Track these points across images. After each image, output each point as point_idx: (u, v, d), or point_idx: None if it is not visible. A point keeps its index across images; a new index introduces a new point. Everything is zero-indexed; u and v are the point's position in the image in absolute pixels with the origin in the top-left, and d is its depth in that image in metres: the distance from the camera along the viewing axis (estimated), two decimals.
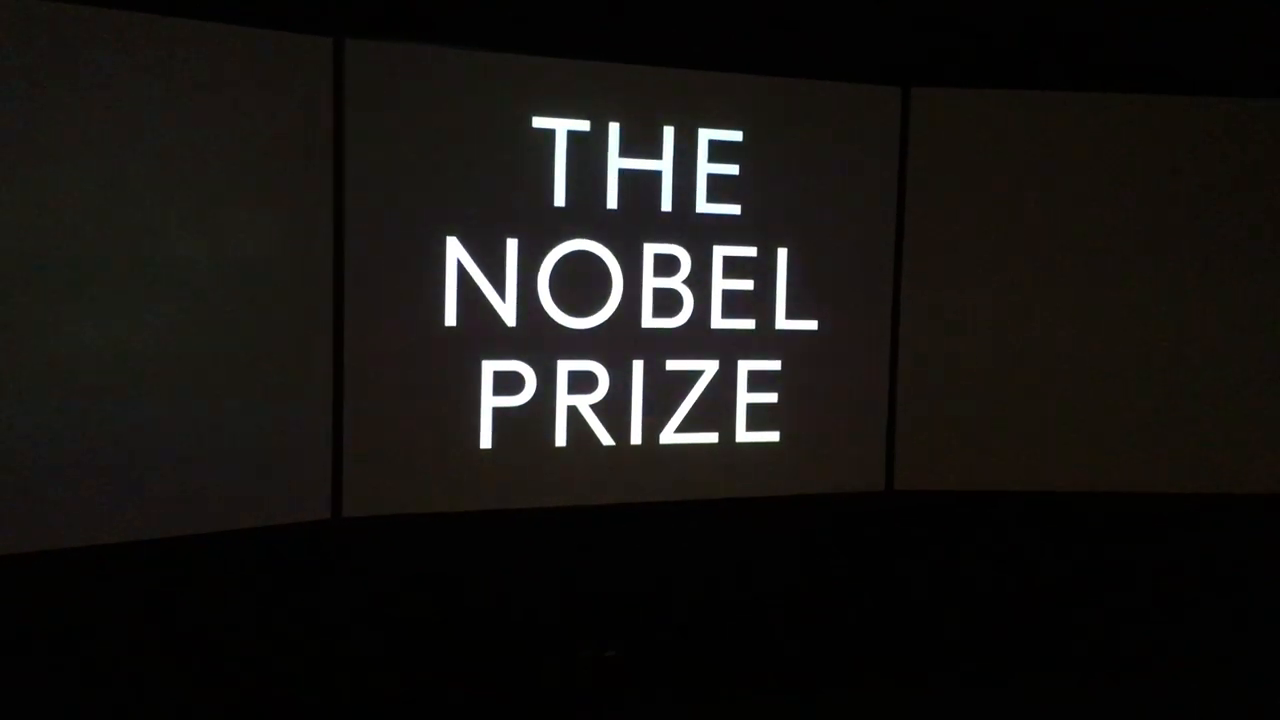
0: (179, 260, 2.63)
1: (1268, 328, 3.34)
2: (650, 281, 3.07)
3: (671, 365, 3.11)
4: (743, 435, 3.20)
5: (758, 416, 3.21)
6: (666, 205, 3.06)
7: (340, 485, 2.86)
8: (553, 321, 3.00)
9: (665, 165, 3.06)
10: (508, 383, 2.98)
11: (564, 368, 3.02)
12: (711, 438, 3.18)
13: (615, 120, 2.99)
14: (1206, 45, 3.32)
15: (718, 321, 3.14)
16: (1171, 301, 3.32)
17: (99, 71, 2.48)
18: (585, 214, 3.01)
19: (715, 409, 3.17)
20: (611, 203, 3.01)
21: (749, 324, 3.17)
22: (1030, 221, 3.28)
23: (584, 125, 2.97)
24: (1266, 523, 3.45)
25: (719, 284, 3.14)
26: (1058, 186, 3.27)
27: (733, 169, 3.11)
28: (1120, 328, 3.32)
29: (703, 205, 3.10)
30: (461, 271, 2.91)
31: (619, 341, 3.07)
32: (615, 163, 3.01)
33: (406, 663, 3.07)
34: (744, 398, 3.19)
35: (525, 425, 3.00)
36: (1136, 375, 3.33)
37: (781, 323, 3.20)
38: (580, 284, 3.02)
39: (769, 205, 3.16)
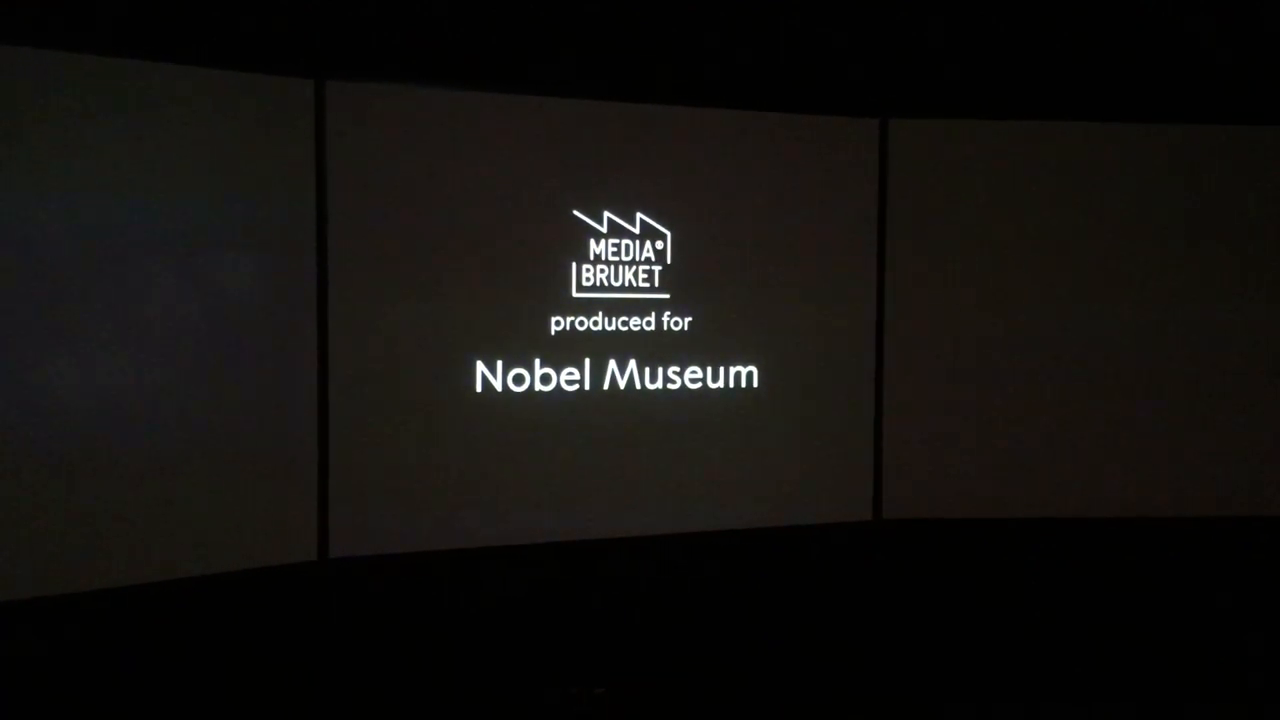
0: (162, 301, 2.63)
1: (1258, 352, 3.35)
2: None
3: (656, 399, 3.12)
4: (729, 466, 3.20)
5: (744, 448, 3.21)
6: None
7: (327, 526, 2.85)
8: (540, 373, 3.03)
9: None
10: (497, 418, 2.99)
11: (551, 406, 3.03)
12: (698, 471, 3.17)
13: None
14: (1177, 74, 3.35)
15: (703, 351, 3.16)
16: (1161, 326, 3.33)
17: (86, 114, 2.50)
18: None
19: (701, 443, 3.17)
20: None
21: (734, 353, 3.18)
22: (1012, 248, 3.30)
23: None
24: (1268, 545, 3.45)
25: (704, 314, 3.15)
26: (1038, 214, 3.29)
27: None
28: (1108, 353, 3.33)
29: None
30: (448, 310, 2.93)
31: (606, 379, 3.09)
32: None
33: (394, 699, 3.04)
34: (731, 430, 3.19)
35: (514, 460, 3.01)
36: (1126, 401, 3.34)
37: (766, 352, 3.21)
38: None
39: (752, 238, 3.19)
